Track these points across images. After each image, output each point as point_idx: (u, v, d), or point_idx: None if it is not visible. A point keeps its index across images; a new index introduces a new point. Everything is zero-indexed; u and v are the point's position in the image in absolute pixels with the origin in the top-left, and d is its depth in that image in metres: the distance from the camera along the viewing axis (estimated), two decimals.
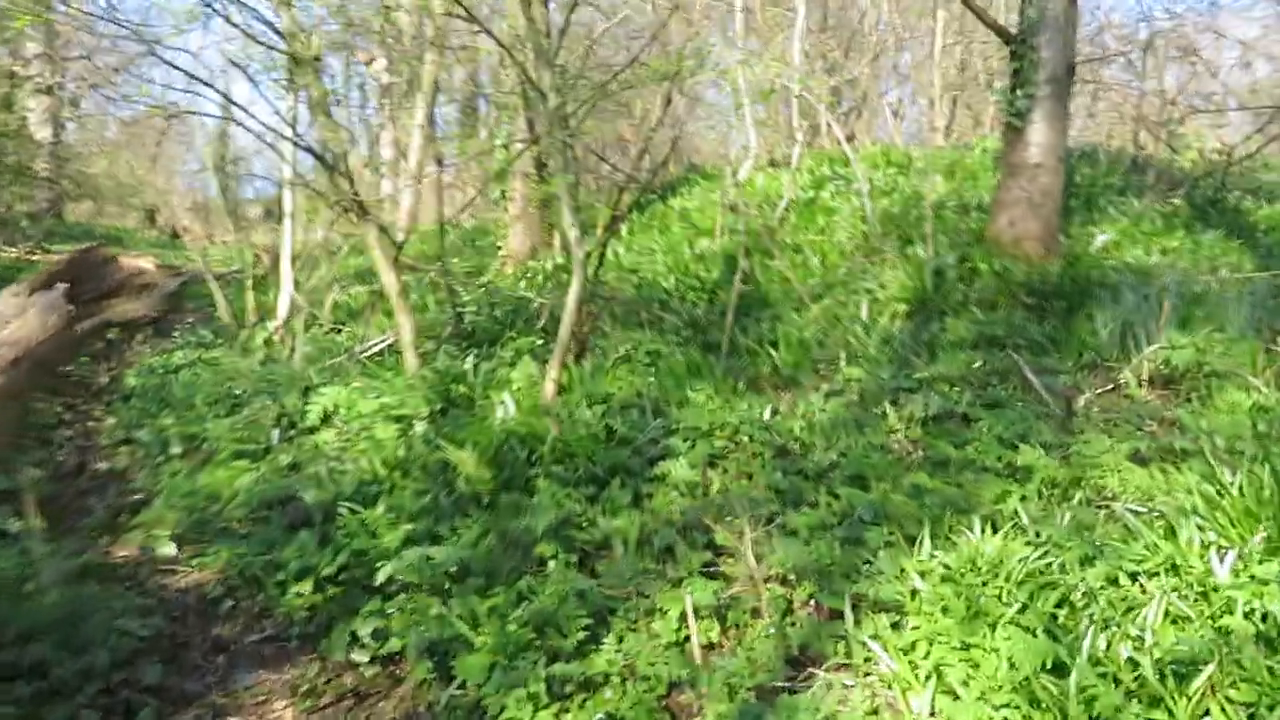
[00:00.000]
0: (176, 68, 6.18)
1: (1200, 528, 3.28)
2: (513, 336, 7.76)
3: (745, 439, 5.22)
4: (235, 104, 5.99)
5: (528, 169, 10.58)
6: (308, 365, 7.87)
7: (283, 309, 9.44)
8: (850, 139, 21.17)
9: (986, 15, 8.67)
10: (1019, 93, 7.88)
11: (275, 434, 5.99)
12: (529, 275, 10.47)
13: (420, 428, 6.01)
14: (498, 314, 8.72)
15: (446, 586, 4.14)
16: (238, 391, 7.79)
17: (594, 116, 6.52)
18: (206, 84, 6.23)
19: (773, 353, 6.64)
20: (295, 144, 5.90)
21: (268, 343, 9.23)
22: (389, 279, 6.33)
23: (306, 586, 4.34)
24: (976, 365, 5.76)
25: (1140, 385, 5.10)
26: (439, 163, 6.76)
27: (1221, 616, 2.69)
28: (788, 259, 9.04)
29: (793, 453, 4.98)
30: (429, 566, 4.10)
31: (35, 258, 20.37)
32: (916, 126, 26.21)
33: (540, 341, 7.50)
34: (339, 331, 9.93)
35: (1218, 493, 3.47)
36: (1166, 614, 2.76)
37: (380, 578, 4.05)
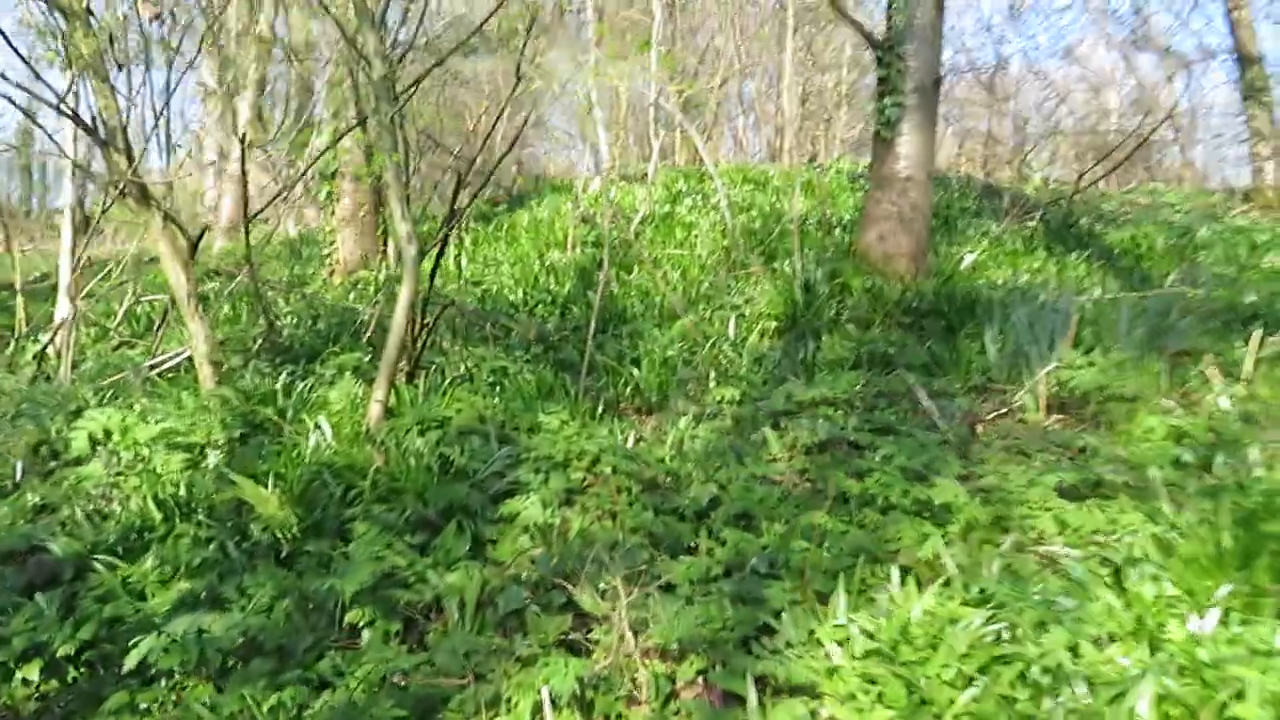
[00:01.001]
0: None
1: (1154, 577, 2.74)
2: (336, 352, 6.74)
3: (607, 470, 4.46)
4: None
5: (361, 169, 9.53)
6: (83, 384, 6.59)
7: (60, 319, 8.03)
8: (700, 160, 20.98)
9: (852, 19, 8.33)
10: (887, 100, 7.53)
11: (20, 466, 4.78)
12: (359, 286, 9.41)
13: (213, 459, 4.95)
14: (320, 326, 7.66)
15: (226, 666, 3.19)
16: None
17: (429, 99, 5.65)
18: None
19: (634, 372, 5.92)
20: (58, 110, 4.76)
21: (39, 358, 7.81)
22: (177, 280, 5.24)
23: (34, 670, 3.30)
24: (860, 387, 5.21)
25: (1038, 409, 4.65)
26: (256, 149, 5.70)
27: (1230, 705, 2.11)
28: (646, 273, 8.40)
29: (663, 486, 4.25)
30: (202, 642, 3.13)
31: None
32: (758, 154, 26.47)
33: (368, 358, 6.52)
34: (133, 346, 8.57)
35: (1168, 535, 2.95)
36: (1159, 700, 2.16)
37: (132, 660, 3.06)
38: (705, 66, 23.39)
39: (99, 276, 8.62)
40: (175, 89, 5.33)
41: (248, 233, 5.74)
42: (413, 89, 5.03)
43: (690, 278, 8.30)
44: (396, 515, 3.91)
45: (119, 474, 4.74)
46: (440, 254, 5.32)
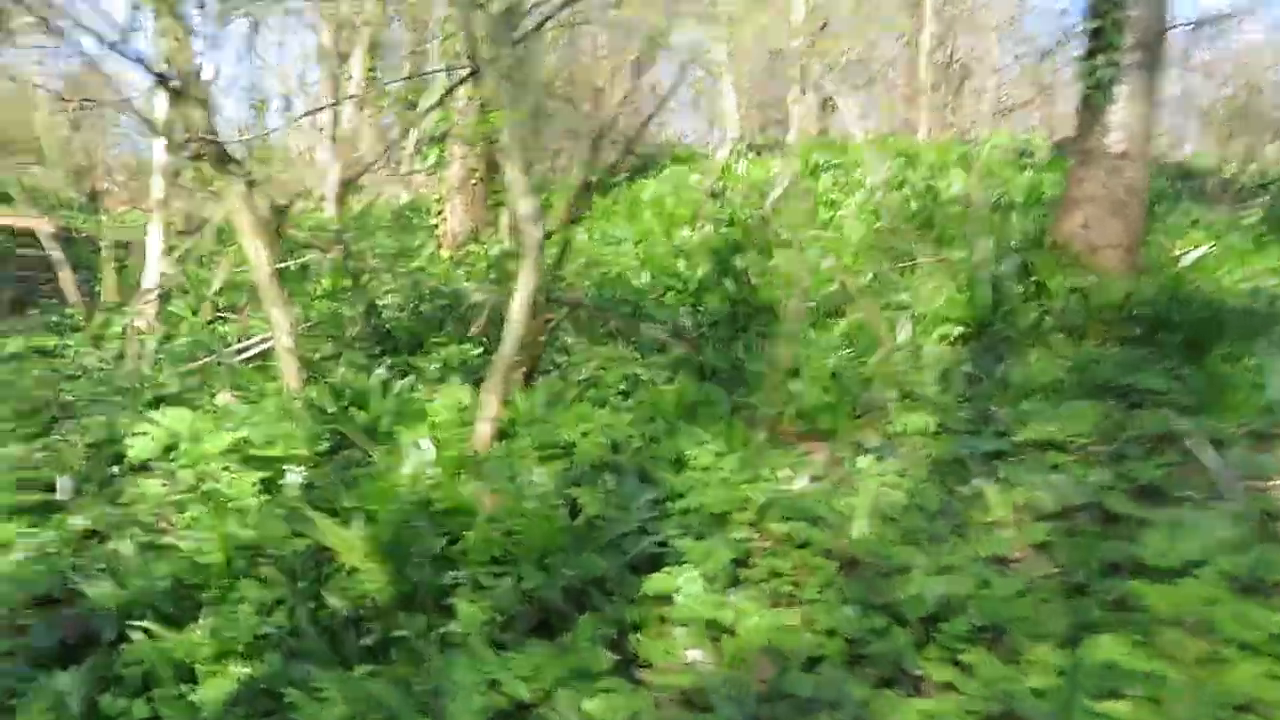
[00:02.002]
0: None
1: None
2: (441, 342, 5.88)
3: (779, 527, 3.44)
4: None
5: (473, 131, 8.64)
6: (167, 366, 5.90)
7: (150, 280, 7.42)
8: (824, 132, 19.61)
9: None
10: (1100, 59, 6.20)
11: (68, 483, 4.02)
12: (469, 262, 8.57)
13: (292, 478, 4.12)
14: (424, 309, 6.82)
15: None
16: (69, 398, 5.81)
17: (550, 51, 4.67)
18: None
19: (794, 385, 4.86)
20: (118, 51, 3.94)
21: (126, 331, 7.19)
22: (256, 257, 4.41)
23: None
24: (1097, 423, 4.05)
25: None
26: (334, 97, 4.82)
27: None
28: (786, 258, 7.29)
29: (864, 564, 3.20)
30: None
31: None
32: (873, 127, 24.77)
33: (476, 352, 5.63)
34: (225, 321, 7.92)
35: None
36: None
37: None
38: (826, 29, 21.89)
39: (191, 243, 7.95)
40: (258, 30, 4.48)
41: (344, 198, 4.89)
42: (538, 28, 4.04)
43: (843, 267, 7.15)
44: (512, 592, 2.97)
45: (183, 495, 3.95)
46: (568, 239, 4.35)
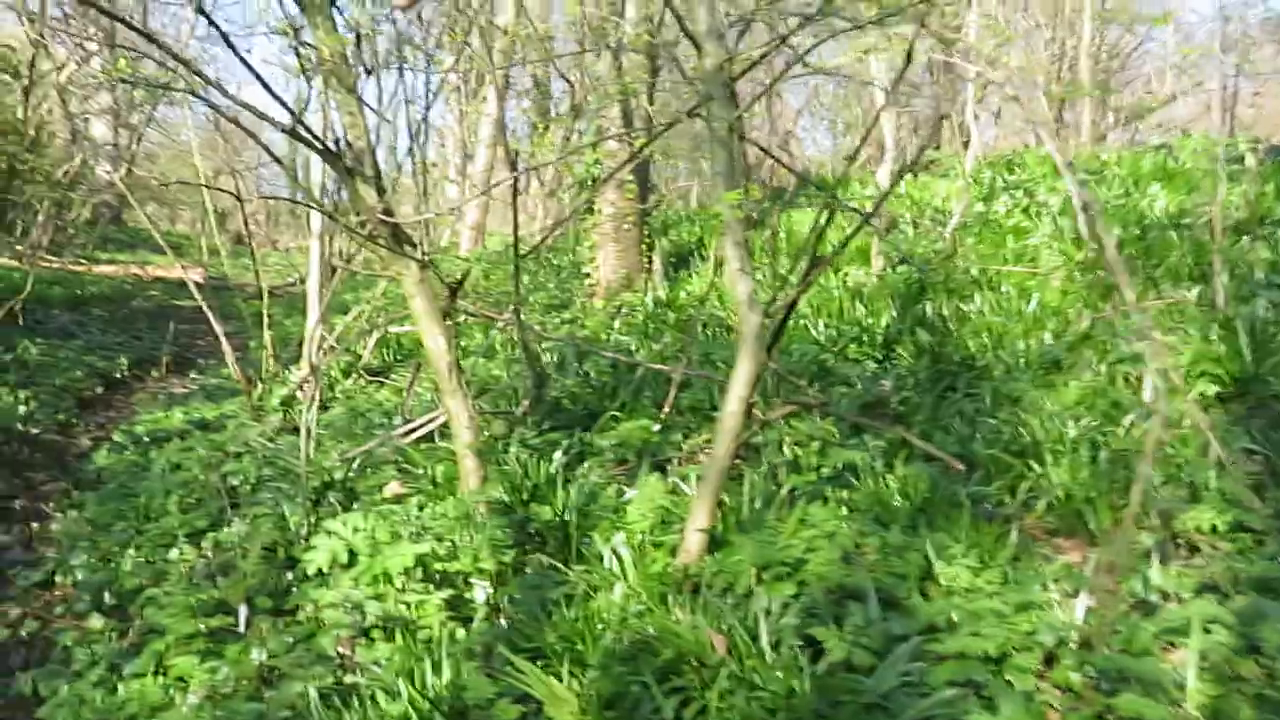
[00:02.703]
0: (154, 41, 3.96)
1: None
2: (616, 415, 5.41)
3: (1076, 676, 2.78)
4: (205, 79, 3.76)
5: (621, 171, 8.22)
6: (324, 454, 5.62)
7: (305, 356, 7.25)
8: (967, 144, 18.49)
9: None
10: None
11: (245, 611, 3.70)
12: (624, 312, 8.13)
13: (480, 594, 3.70)
14: (589, 371, 6.38)
15: None
16: (234, 483, 5.61)
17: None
18: (179, 59, 4.02)
19: (1034, 467, 4.17)
20: (290, 133, 3.62)
21: (286, 403, 7.04)
22: (435, 344, 4.02)
23: None
24: None
25: None
26: (512, 165, 4.42)
27: None
28: (986, 299, 6.55)
29: None
30: None
31: (80, 269, 18.78)
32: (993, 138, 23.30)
33: (658, 429, 5.13)
34: (382, 383, 7.71)
35: None
36: None
37: None
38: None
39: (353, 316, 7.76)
40: (434, 99, 4.12)
41: (517, 271, 4.48)
42: (746, 71, 3.51)
43: (1048, 307, 6.37)
44: None
45: (365, 624, 3.56)
46: (787, 318, 3.79)
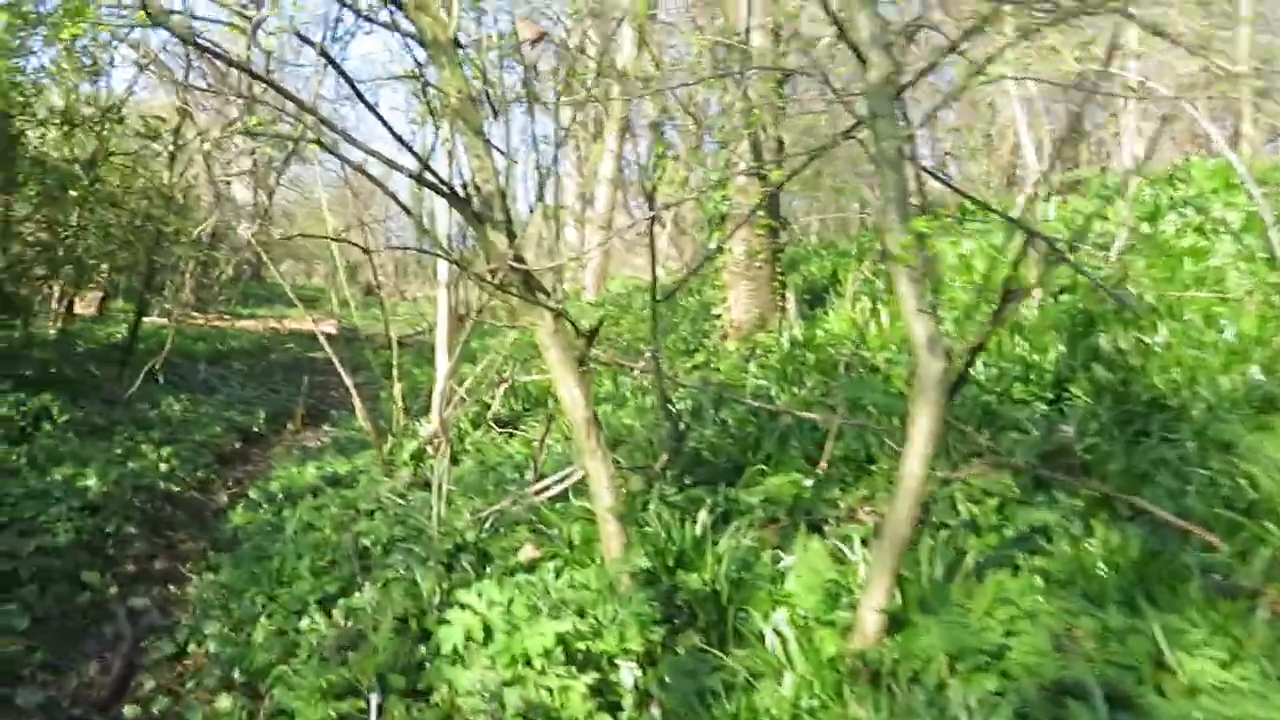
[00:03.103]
0: (284, 92, 3.84)
1: None
2: (762, 469, 4.99)
3: None
4: (334, 130, 3.59)
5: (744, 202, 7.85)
6: (455, 512, 5.38)
7: (437, 407, 7.10)
8: (1105, 164, 17.39)
9: None
10: None
11: (375, 701, 3.42)
12: (758, 354, 7.71)
13: (627, 681, 3.33)
14: (727, 419, 5.98)
15: None
16: (366, 543, 5.43)
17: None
18: (310, 110, 3.88)
19: (1269, 528, 3.54)
20: (417, 178, 3.40)
21: (416, 457, 6.89)
22: (570, 397, 3.71)
23: None
24: None
25: None
26: (649, 203, 4.09)
27: None
28: (1170, 329, 5.87)
29: None
30: None
31: (222, 324, 19.60)
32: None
33: (810, 483, 4.69)
34: (512, 434, 7.49)
35: None
36: None
37: None
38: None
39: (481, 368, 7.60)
40: (564, 140, 3.85)
41: (655, 316, 4.15)
42: (912, 83, 3.10)
43: (1246, 335, 5.64)
44: None
45: (502, 703, 3.23)
46: (971, 362, 3.33)
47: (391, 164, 3.46)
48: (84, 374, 10.13)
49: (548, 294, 3.77)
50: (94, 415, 8.44)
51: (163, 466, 7.35)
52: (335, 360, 7.15)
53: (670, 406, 4.87)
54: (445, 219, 6.67)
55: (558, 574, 4.36)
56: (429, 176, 3.54)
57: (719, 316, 8.45)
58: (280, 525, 6.06)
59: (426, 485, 6.55)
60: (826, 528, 4.30)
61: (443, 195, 3.57)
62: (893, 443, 4.57)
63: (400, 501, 6.11)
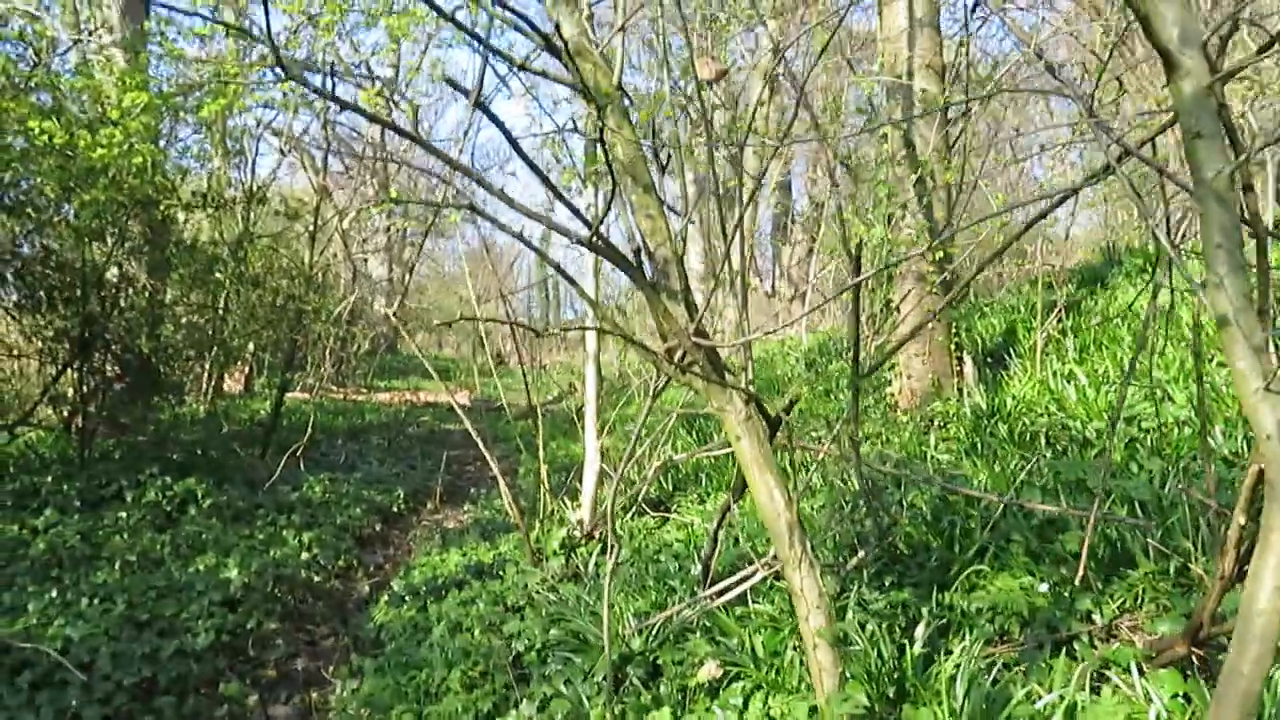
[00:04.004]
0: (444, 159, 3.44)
1: None
2: (978, 567, 4.22)
3: None
4: (491, 190, 3.13)
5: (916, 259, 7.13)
6: (616, 615, 4.80)
7: (587, 490, 6.57)
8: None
9: None
10: None
11: None
12: (938, 425, 6.90)
13: None
14: (921, 509, 5.22)
15: None
16: (519, 648, 4.89)
17: None
18: (462, 168, 3.47)
19: None
20: (588, 245, 2.89)
21: (566, 545, 6.35)
22: (770, 498, 3.09)
23: None
24: None
25: None
26: (855, 266, 3.45)
27: None
28: None
29: None
30: None
31: (360, 398, 19.86)
32: None
33: (1045, 587, 3.89)
34: (666, 517, 6.89)
35: None
36: None
37: None
38: None
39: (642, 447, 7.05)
40: (760, 188, 3.23)
41: (857, 395, 3.50)
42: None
43: None
44: None
45: None
46: None
47: (558, 228, 2.96)
48: (229, 454, 10.09)
49: (735, 374, 3.19)
50: (236, 499, 8.28)
51: (304, 555, 7.05)
52: (474, 434, 6.73)
53: (872, 494, 4.18)
54: (591, 284, 6.20)
55: (746, 700, 3.72)
56: (600, 243, 3.03)
57: (888, 384, 7.69)
58: (424, 624, 5.59)
59: (577, 578, 6.01)
60: (1076, 645, 3.51)
61: (615, 263, 3.05)
62: (1154, 540, 3.75)
63: (552, 598, 5.56)
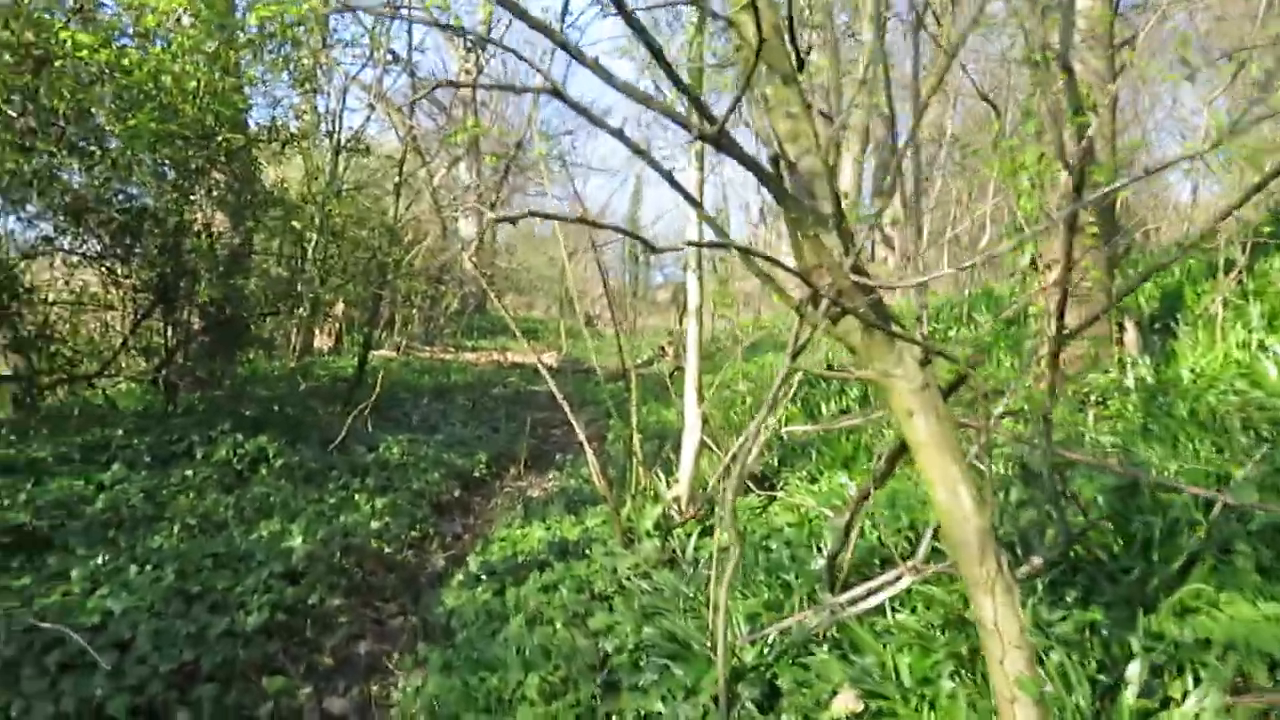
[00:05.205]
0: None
1: None
2: (1196, 586, 3.30)
3: None
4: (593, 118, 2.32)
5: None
6: (730, 615, 4.02)
7: (685, 464, 5.80)
8: None
9: None
10: None
11: None
12: (1096, 399, 5.90)
13: None
14: (1099, 503, 4.28)
15: None
16: (608, 648, 4.17)
17: None
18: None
19: None
20: (712, 141, 2.08)
21: (661, 526, 5.60)
22: (956, 498, 2.26)
23: None
24: None
25: None
26: (1077, 193, 2.56)
27: None
28: None
29: None
30: None
31: (448, 357, 19.50)
32: None
33: (1271, 611, 2.97)
34: (773, 496, 6.06)
35: None
36: None
37: None
38: None
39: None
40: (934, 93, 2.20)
41: (1056, 363, 2.64)
42: None
43: None
44: None
45: None
46: None
47: (673, 116, 2.16)
48: (307, 412, 9.65)
49: (907, 329, 2.35)
50: (309, 460, 7.77)
51: (375, 523, 6.47)
52: (560, 399, 6.01)
53: (1060, 487, 3.30)
54: (694, 229, 5.38)
55: None
56: (726, 141, 2.21)
57: (1034, 351, 6.69)
58: (500, 611, 4.92)
59: (673, 564, 5.27)
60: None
61: (748, 166, 2.24)
62: None
63: (645, 586, 4.82)
